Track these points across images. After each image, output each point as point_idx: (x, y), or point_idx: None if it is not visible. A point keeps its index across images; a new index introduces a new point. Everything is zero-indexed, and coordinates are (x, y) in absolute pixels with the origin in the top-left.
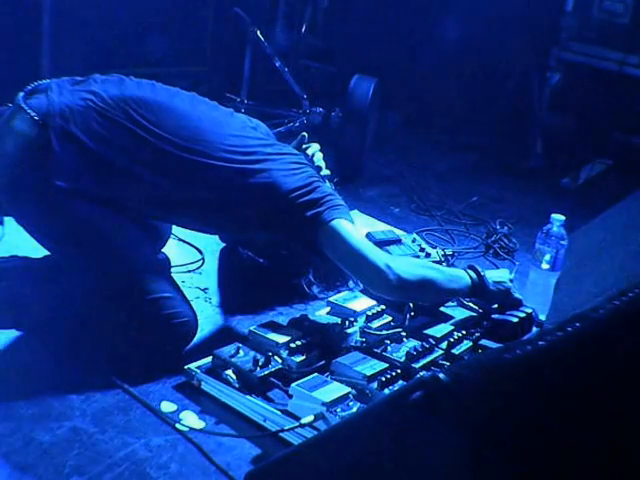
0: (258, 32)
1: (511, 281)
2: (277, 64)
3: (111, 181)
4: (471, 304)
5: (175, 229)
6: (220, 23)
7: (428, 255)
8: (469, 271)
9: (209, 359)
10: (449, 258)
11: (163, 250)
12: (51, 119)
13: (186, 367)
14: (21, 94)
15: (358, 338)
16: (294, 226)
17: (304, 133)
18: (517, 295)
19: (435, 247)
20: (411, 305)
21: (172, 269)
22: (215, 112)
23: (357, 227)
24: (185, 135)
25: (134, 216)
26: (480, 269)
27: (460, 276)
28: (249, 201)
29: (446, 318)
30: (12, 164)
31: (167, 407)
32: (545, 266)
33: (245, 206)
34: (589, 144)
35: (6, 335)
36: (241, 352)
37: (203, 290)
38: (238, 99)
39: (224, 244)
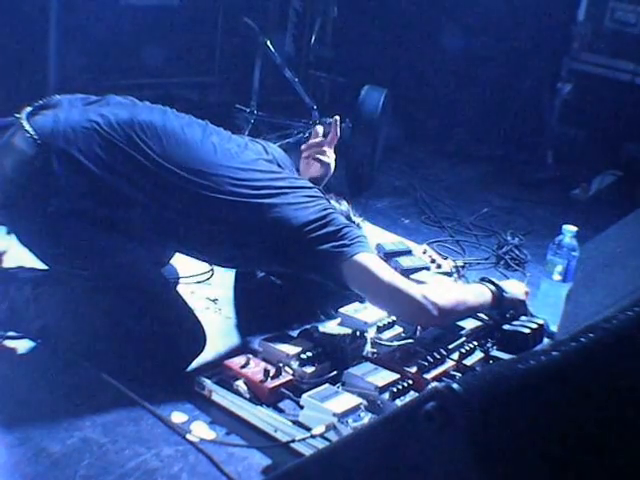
0: (268, 42)
1: (527, 293)
2: (287, 74)
3: (112, 205)
4: (482, 315)
5: None
6: (229, 33)
7: (439, 266)
8: (486, 284)
9: (220, 370)
10: (460, 269)
11: (172, 262)
12: (53, 140)
13: (197, 378)
14: (27, 109)
15: (369, 349)
16: (312, 261)
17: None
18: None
19: (446, 258)
20: None
21: (182, 280)
22: (227, 144)
23: (382, 261)
24: (191, 168)
25: (135, 235)
26: (496, 281)
27: (482, 290)
28: (259, 236)
29: (457, 329)
30: (9, 182)
31: (178, 417)
32: (557, 277)
33: (255, 241)
34: (600, 155)
35: (16, 345)
36: (252, 363)
37: (213, 301)
38: (247, 110)
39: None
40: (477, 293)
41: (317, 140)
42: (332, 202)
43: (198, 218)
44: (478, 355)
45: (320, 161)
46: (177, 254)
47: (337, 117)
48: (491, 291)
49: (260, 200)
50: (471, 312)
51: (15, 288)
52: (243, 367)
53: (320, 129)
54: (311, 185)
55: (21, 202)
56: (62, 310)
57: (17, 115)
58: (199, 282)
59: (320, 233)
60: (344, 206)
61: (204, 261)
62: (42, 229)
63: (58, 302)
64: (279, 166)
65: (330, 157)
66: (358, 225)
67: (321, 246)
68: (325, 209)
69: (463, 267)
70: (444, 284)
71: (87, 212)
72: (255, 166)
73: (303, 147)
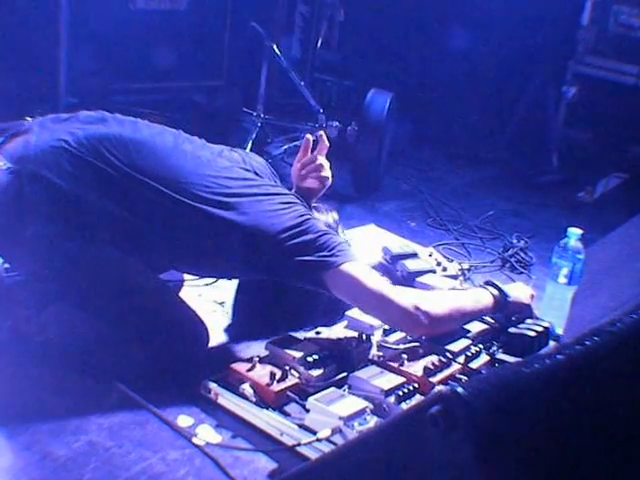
0: (274, 46)
1: (532, 296)
2: (293, 78)
3: (88, 221)
4: (487, 318)
5: None
6: (236, 37)
7: (445, 269)
8: (489, 288)
9: (226, 373)
10: (465, 272)
11: None
12: (23, 165)
13: (203, 381)
14: (0, 139)
15: (375, 352)
16: (291, 270)
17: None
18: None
19: (452, 261)
20: None
21: (188, 283)
22: (200, 152)
23: (369, 269)
24: (161, 176)
25: (119, 247)
26: (499, 284)
27: (482, 295)
28: (235, 245)
29: (462, 332)
30: None
31: (184, 421)
32: (562, 280)
33: (231, 250)
34: (605, 158)
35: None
36: (258, 366)
37: (220, 304)
38: (254, 113)
39: None
40: (476, 299)
41: (309, 156)
42: (321, 213)
43: (171, 227)
44: (484, 358)
45: (320, 177)
46: None
47: (322, 132)
48: (493, 295)
49: (232, 209)
50: (469, 319)
51: (17, 305)
52: (249, 370)
53: (310, 138)
54: (287, 192)
55: (0, 231)
56: (64, 323)
57: None
58: (206, 285)
59: (297, 241)
60: (331, 218)
61: (186, 272)
62: (25, 253)
63: (60, 315)
64: (256, 175)
65: (327, 170)
66: (347, 243)
67: (299, 256)
68: (302, 215)
69: (469, 270)
70: (440, 291)
71: (65, 232)
72: (228, 173)
73: (297, 165)
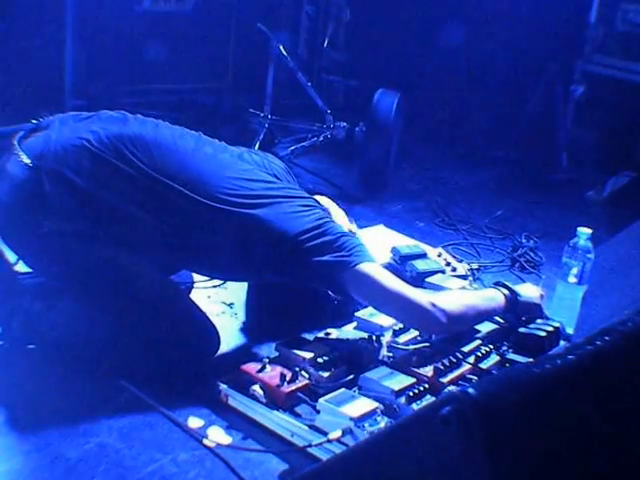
0: (281, 47)
1: (542, 296)
2: (300, 79)
3: (106, 221)
4: (498, 318)
5: None
6: (243, 39)
7: (454, 269)
8: (500, 288)
9: (236, 374)
10: (475, 272)
11: None
12: (44, 161)
13: (213, 382)
14: (20, 134)
15: (385, 353)
16: (310, 271)
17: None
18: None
19: (461, 261)
20: None
21: (198, 284)
22: (221, 154)
23: (384, 270)
24: (182, 178)
25: (134, 247)
26: (510, 284)
27: (495, 295)
28: (254, 247)
29: (472, 332)
30: (3, 207)
31: (194, 422)
32: (572, 280)
33: (250, 252)
34: (614, 156)
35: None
36: (268, 367)
37: (229, 305)
38: (261, 114)
39: None
40: (488, 298)
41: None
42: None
43: (191, 229)
44: (494, 358)
45: None
46: None
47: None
48: (504, 295)
49: (253, 209)
50: (482, 318)
51: (28, 301)
52: (259, 371)
53: None
54: (307, 195)
55: (16, 225)
56: (75, 320)
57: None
58: (215, 286)
59: (317, 242)
60: (353, 229)
61: (203, 275)
62: (38, 250)
63: (71, 312)
64: (276, 177)
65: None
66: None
67: (318, 257)
68: (321, 218)
69: (478, 270)
70: (453, 291)
71: (81, 231)
72: (249, 176)
73: None
